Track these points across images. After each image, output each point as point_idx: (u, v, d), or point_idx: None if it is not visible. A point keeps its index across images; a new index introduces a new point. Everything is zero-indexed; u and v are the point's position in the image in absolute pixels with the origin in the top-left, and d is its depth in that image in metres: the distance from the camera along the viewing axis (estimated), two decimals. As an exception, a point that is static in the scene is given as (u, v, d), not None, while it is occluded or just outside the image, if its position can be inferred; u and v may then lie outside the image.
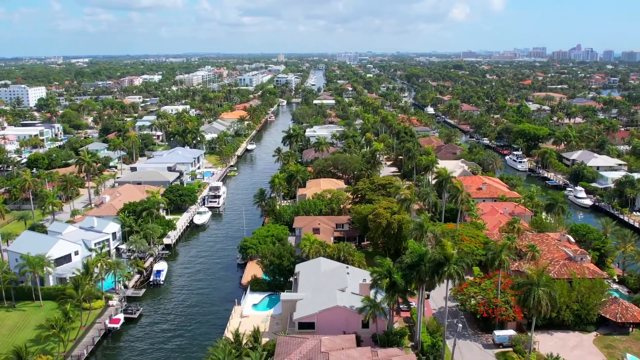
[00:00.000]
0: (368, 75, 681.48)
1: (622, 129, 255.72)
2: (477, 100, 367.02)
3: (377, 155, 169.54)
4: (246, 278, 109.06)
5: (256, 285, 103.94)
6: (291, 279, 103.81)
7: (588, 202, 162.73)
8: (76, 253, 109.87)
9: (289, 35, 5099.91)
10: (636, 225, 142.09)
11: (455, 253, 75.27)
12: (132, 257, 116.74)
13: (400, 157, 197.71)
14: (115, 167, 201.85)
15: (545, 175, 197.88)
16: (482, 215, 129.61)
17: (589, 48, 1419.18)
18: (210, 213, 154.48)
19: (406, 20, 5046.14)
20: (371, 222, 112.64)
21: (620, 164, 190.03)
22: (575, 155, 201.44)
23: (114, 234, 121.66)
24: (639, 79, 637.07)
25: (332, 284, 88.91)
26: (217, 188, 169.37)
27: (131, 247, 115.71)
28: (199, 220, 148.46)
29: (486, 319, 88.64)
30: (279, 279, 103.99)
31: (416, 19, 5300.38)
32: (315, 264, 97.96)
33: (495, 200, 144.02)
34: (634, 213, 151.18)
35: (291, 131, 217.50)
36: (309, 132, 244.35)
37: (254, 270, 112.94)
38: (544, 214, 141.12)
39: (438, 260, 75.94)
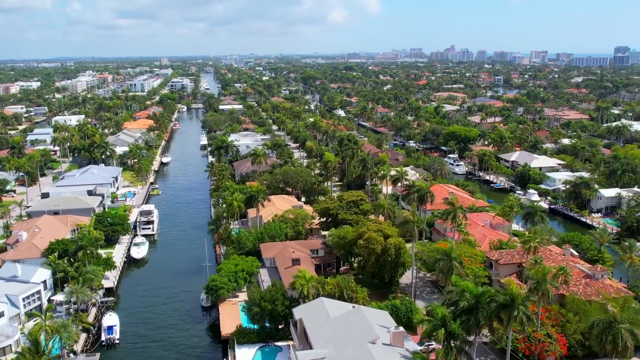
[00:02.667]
0: (264, 78, 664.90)
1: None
2: (389, 102, 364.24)
3: (330, 168, 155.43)
4: (225, 327, 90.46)
5: (243, 336, 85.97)
6: (282, 326, 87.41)
7: (544, 205, 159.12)
8: (1, 314, 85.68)
9: (168, 38, 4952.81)
10: (601, 227, 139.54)
11: (523, 292, 63.01)
12: (70, 311, 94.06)
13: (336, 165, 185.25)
14: (14, 192, 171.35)
15: (487, 178, 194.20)
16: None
17: (464, 48, 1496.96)
18: (147, 243, 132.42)
19: (287, 22, 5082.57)
20: (362, 248, 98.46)
21: (559, 164, 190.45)
22: (514, 156, 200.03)
23: (44, 283, 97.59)
24: (521, 78, 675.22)
25: (356, 335, 73.51)
26: (149, 212, 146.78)
27: (70, 298, 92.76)
28: (137, 253, 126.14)
29: (526, 355, 77.77)
30: (269, 326, 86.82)
31: (296, 21, 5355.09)
32: (319, 307, 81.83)
33: (465, 211, 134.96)
34: (593, 214, 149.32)
35: (219, 141, 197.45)
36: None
37: (229, 315, 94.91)
38: (515, 223, 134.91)
39: (502, 302, 63.43)
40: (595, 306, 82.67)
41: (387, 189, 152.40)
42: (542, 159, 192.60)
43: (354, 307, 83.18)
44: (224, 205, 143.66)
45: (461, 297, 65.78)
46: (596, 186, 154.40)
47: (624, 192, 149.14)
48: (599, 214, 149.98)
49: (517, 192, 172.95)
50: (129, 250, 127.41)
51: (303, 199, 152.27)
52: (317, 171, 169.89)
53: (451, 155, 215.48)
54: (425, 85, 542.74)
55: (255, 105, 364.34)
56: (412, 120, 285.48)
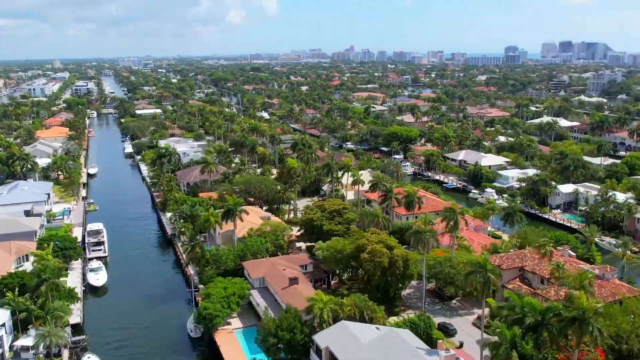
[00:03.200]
0: (173, 80, 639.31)
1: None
2: (314, 103, 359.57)
3: (294, 175, 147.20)
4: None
5: (258, 371, 76.81)
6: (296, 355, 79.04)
7: (503, 203, 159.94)
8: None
9: (57, 39, 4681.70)
10: (565, 224, 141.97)
11: (596, 305, 59.09)
12: (40, 357, 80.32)
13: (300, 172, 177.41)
14: None
15: (436, 177, 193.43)
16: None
17: (365, 49, 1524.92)
18: (104, 267, 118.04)
19: (183, 23, 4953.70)
20: (367, 262, 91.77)
21: (506, 161, 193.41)
22: (461, 155, 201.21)
23: (4, 327, 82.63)
24: (427, 77, 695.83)
25: (402, 363, 66.93)
26: (98, 231, 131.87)
27: (41, 342, 79.02)
28: (96, 280, 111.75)
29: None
30: (285, 357, 78.13)
31: (193, 22, 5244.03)
32: (345, 332, 74.39)
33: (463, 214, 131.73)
34: (553, 211, 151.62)
35: (161, 150, 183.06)
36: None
37: (228, 346, 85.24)
38: (489, 224, 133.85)
39: (575, 316, 59.19)
40: (616, 308, 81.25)
41: (356, 194, 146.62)
42: (490, 157, 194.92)
43: (378, 328, 76.70)
44: (182, 221, 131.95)
45: (523, 313, 60.95)
46: (553, 183, 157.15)
47: (582, 188, 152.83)
48: (558, 210, 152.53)
49: (472, 191, 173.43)
50: (85, 277, 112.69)
51: (264, 209, 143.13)
52: (273, 177, 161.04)
53: (396, 157, 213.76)
54: (339, 85, 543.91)
55: (176, 109, 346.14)
56: (342, 121, 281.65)
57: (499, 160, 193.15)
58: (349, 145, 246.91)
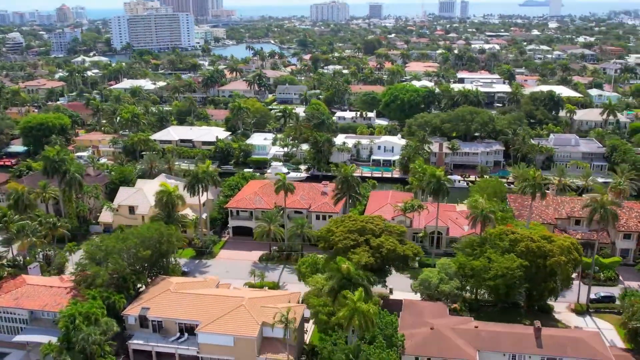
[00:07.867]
0: None
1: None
2: None
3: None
4: None
5: None
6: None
7: (302, 174, 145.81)
8: None
9: None
10: (387, 176, 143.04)
11: None
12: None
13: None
14: None
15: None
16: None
17: None
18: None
19: None
20: (564, 264, 75.17)
21: (224, 130, 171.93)
22: (174, 133, 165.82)
23: None
24: None
25: None
26: None
27: None
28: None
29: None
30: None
31: None
32: None
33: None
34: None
35: None
36: None
37: None
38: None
39: None
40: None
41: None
42: (205, 129, 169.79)
43: None
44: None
45: None
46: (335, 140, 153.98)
47: (364, 140, 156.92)
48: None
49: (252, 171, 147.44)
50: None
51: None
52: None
53: (82, 154, 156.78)
54: None
55: None
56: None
57: (218, 130, 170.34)
58: None
